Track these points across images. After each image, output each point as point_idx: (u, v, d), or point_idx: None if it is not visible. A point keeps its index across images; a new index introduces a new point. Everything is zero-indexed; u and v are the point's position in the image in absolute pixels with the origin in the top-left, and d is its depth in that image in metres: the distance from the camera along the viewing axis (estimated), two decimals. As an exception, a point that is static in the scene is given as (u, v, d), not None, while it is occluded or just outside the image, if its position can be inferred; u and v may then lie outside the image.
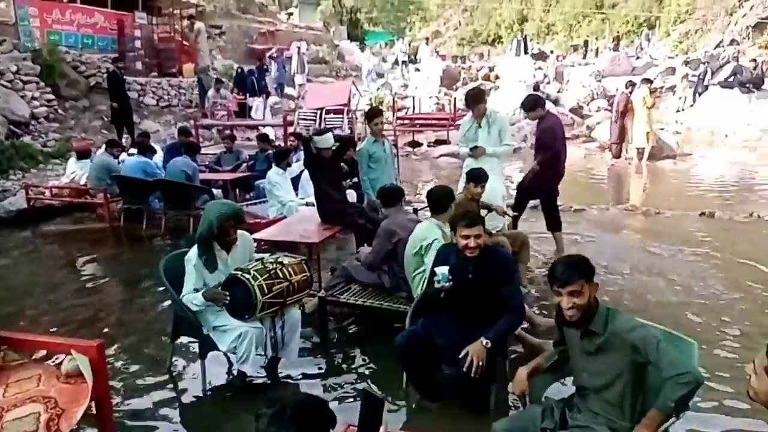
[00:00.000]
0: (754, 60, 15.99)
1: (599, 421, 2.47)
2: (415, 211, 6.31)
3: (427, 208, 5.02)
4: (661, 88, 17.28)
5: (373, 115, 6.05)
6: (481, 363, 3.03)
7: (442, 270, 3.21)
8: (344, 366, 4.07)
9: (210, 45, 19.14)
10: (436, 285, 3.23)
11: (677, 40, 24.28)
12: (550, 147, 5.83)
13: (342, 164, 6.34)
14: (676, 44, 24.03)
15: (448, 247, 3.57)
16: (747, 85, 14.85)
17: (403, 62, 25.31)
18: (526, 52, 22.50)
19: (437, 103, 19.13)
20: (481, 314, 3.28)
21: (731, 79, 15.33)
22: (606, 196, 9.65)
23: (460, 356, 3.09)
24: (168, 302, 4.74)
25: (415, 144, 14.99)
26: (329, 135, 5.56)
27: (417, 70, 23.17)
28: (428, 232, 3.98)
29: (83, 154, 8.50)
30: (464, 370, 3.06)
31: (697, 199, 8.90)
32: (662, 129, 13.16)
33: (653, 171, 11.59)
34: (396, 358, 3.43)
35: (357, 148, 5.98)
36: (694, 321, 4.57)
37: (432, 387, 3.49)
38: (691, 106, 16.14)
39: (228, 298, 3.47)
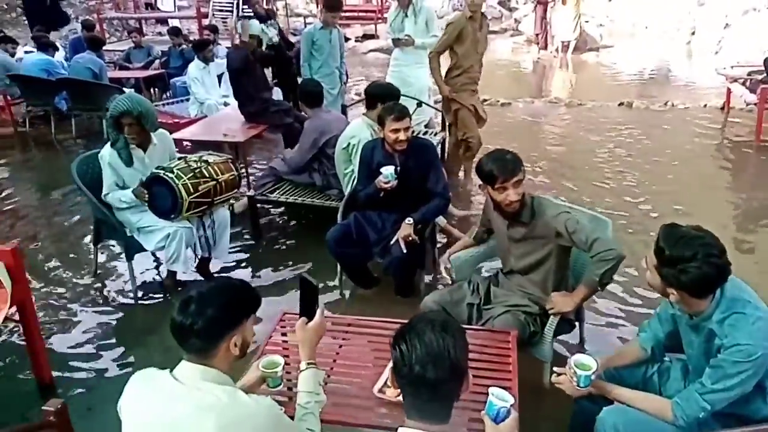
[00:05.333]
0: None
1: (521, 295, 2.63)
2: (344, 108, 6.16)
3: (358, 105, 4.84)
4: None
5: (336, 6, 5.58)
6: (411, 238, 3.18)
7: (389, 170, 3.21)
8: (278, 261, 4.09)
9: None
10: (383, 185, 3.23)
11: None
12: None
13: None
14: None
15: (372, 142, 3.54)
16: (668, -24, 14.97)
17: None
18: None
19: (363, -5, 18.23)
20: (408, 206, 3.34)
21: (654, -31, 15.38)
22: (532, 89, 9.76)
23: (392, 243, 3.20)
24: (85, 205, 4.53)
25: (342, 39, 14.39)
26: (255, 22, 5.25)
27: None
28: (357, 131, 3.91)
29: (-28, 53, 7.63)
30: (397, 254, 3.18)
31: (618, 89, 9.16)
32: (587, 21, 13.20)
33: (577, 63, 11.76)
34: (329, 252, 3.48)
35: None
36: (613, 200, 4.86)
37: (365, 276, 3.60)
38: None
39: (147, 196, 3.34)
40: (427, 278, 3.73)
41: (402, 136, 3.23)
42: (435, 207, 3.40)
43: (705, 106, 7.72)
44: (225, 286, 1.57)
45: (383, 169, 3.24)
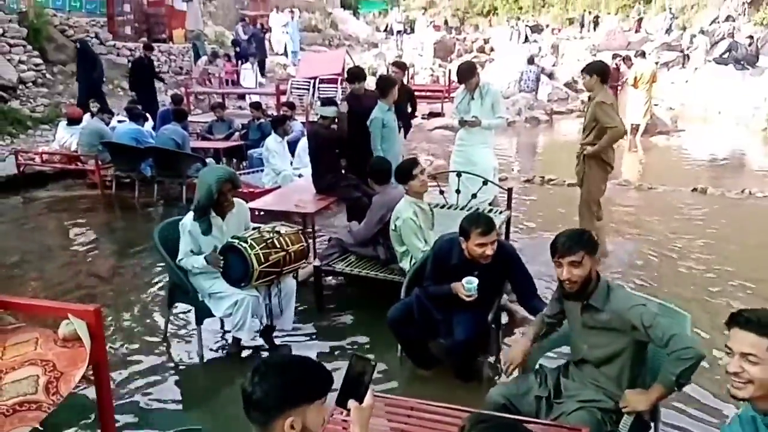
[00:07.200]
0: (750, 36, 15.87)
1: (594, 389, 2.49)
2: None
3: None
4: (657, 63, 17.20)
5: (392, 84, 5.64)
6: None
7: (474, 284, 3.09)
8: (339, 334, 4.10)
9: (200, 11, 18.74)
10: (465, 297, 3.12)
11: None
12: None
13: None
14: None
15: (450, 241, 3.35)
16: (741, 62, 14.80)
17: (398, 32, 24.91)
18: (525, 40, 22.04)
19: (431, 75, 18.94)
20: (476, 300, 3.20)
21: (726, 56, 15.25)
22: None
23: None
24: (160, 268, 4.75)
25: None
26: (333, 108, 5.61)
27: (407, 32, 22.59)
28: (401, 211, 3.98)
29: (74, 120, 8.37)
30: (460, 337, 3.09)
31: (690, 174, 8.94)
32: (656, 105, 13.13)
33: (647, 147, 11.60)
34: (390, 330, 3.46)
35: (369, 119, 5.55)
36: (687, 293, 4.64)
37: (426, 356, 3.53)
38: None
39: (222, 262, 3.47)
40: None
41: (489, 250, 3.08)
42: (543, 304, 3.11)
43: (785, 194, 7.41)
44: (291, 363, 1.55)
45: (467, 282, 3.09)
